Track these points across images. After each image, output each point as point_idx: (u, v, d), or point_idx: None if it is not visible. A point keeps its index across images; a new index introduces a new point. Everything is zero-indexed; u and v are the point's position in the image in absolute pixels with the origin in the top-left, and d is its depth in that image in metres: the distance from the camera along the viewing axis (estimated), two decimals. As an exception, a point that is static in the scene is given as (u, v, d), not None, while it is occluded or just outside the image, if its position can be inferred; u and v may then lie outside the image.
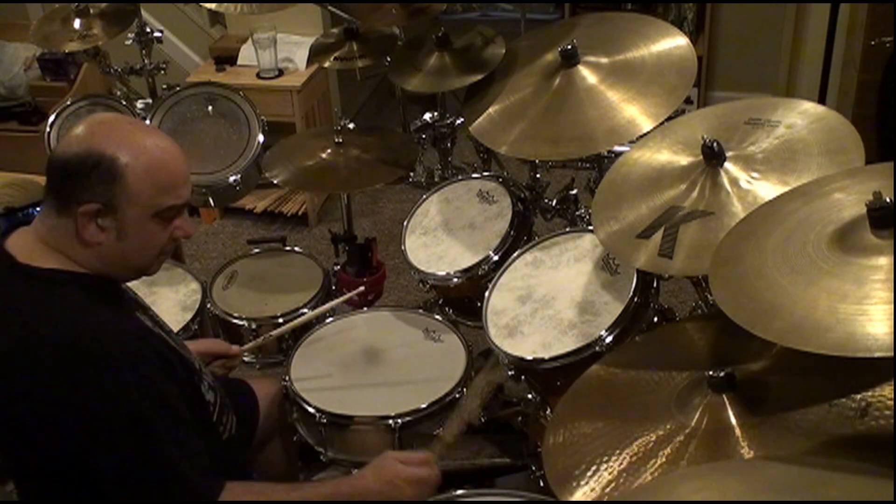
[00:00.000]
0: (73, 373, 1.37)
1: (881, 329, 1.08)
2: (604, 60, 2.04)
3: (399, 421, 1.92)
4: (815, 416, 1.25)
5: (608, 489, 1.30)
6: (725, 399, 1.33)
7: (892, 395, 1.21)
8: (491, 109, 2.14)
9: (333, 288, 2.50)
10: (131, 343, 1.43)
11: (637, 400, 1.46)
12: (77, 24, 2.71)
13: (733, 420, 1.31)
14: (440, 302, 2.30)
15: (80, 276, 1.46)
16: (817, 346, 1.11)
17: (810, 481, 1.06)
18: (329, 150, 2.36)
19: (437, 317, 2.22)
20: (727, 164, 1.62)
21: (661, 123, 1.86)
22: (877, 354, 1.06)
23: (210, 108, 2.58)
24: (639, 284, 1.80)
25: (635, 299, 1.79)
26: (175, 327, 2.14)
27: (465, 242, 2.16)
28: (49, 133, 2.59)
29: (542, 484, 1.78)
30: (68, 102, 2.65)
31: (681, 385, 1.42)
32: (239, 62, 3.72)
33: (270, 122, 2.60)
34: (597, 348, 1.74)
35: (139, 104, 2.71)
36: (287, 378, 2.07)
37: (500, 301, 1.96)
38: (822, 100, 3.05)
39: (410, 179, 2.49)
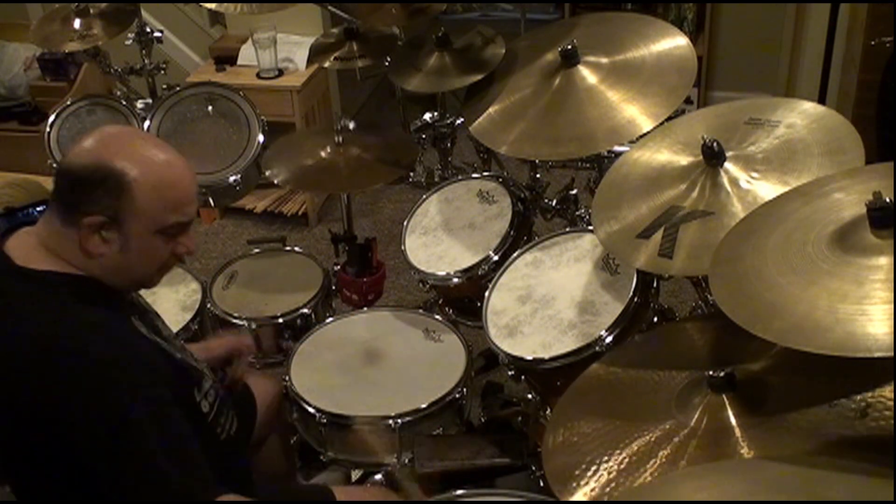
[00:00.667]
0: (53, 372, 1.37)
1: (881, 329, 1.08)
2: (604, 60, 2.04)
3: (399, 421, 1.92)
4: (815, 416, 1.25)
5: (608, 489, 1.30)
6: (725, 399, 1.33)
7: (892, 395, 1.21)
8: (491, 109, 2.14)
9: (333, 288, 2.50)
10: (114, 346, 1.41)
11: (637, 400, 1.46)
12: (77, 24, 2.71)
13: (733, 420, 1.30)
14: (440, 302, 2.30)
15: (74, 279, 1.45)
16: (817, 346, 1.11)
17: (810, 481, 1.06)
18: (329, 150, 2.36)
19: (437, 317, 2.22)
20: (727, 164, 1.62)
21: (661, 123, 1.86)
22: (877, 354, 1.06)
23: (210, 108, 2.58)
24: (639, 284, 1.80)
25: (635, 299, 1.79)
26: (175, 327, 2.14)
27: (465, 242, 2.16)
28: (49, 133, 2.59)
29: (542, 484, 1.78)
30: (68, 102, 2.65)
31: (681, 385, 1.42)
32: (239, 62, 3.72)
33: (270, 122, 2.61)
34: (597, 348, 1.74)
35: (139, 104, 2.71)
36: (287, 378, 2.07)
37: (500, 301, 1.96)
38: (822, 100, 3.05)
39: (410, 179, 2.49)
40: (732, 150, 1.64)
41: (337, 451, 2.00)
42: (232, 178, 2.48)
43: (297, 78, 3.61)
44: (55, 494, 1.47)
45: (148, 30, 2.80)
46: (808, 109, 1.69)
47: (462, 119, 2.38)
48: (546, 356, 1.78)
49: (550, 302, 1.91)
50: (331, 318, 2.30)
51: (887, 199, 1.17)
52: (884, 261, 1.16)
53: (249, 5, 2.69)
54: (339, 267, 2.53)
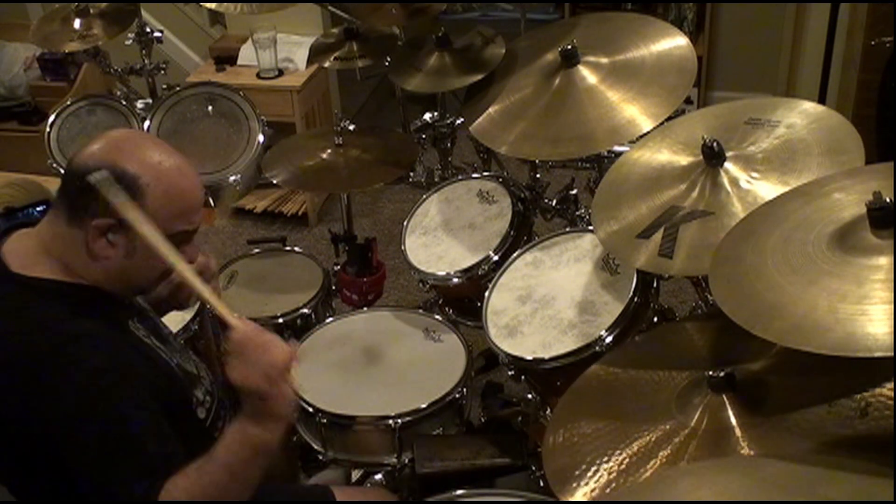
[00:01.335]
0: (38, 383, 1.35)
1: (881, 329, 1.08)
2: (604, 60, 2.04)
3: (399, 421, 1.92)
4: (815, 416, 1.25)
5: (608, 489, 1.30)
6: (725, 399, 1.33)
7: (892, 395, 1.21)
8: (491, 109, 2.14)
9: (333, 288, 2.50)
10: (101, 358, 1.39)
11: (637, 400, 1.46)
12: (77, 24, 2.71)
13: (733, 420, 1.31)
14: (440, 302, 2.30)
15: (71, 287, 1.44)
16: (817, 346, 1.11)
17: (810, 481, 1.06)
18: (329, 151, 2.36)
19: (437, 317, 2.22)
20: (727, 164, 1.62)
21: (661, 123, 1.86)
22: (877, 354, 1.06)
23: (210, 107, 2.58)
24: (639, 284, 1.80)
25: (635, 299, 1.79)
26: (174, 327, 2.14)
27: (465, 242, 2.16)
28: (49, 133, 2.59)
29: (542, 484, 1.78)
30: (68, 102, 2.65)
31: (681, 385, 1.42)
32: (239, 62, 3.72)
33: (270, 122, 2.60)
34: (597, 348, 1.74)
35: (139, 104, 2.71)
36: (287, 378, 2.07)
37: (500, 301, 1.96)
38: (822, 100, 3.05)
39: (410, 179, 2.49)
40: (732, 150, 1.64)
41: (337, 450, 2.00)
42: (232, 178, 2.48)
43: (297, 78, 3.61)
44: (47, 497, 1.46)
45: (148, 30, 2.81)
46: (808, 109, 1.69)
47: (462, 119, 2.38)
48: (546, 356, 1.79)
49: (550, 302, 1.91)
50: (331, 318, 2.30)
51: (887, 199, 1.17)
52: (884, 261, 1.16)
53: (249, 5, 2.69)
54: (339, 267, 2.53)
